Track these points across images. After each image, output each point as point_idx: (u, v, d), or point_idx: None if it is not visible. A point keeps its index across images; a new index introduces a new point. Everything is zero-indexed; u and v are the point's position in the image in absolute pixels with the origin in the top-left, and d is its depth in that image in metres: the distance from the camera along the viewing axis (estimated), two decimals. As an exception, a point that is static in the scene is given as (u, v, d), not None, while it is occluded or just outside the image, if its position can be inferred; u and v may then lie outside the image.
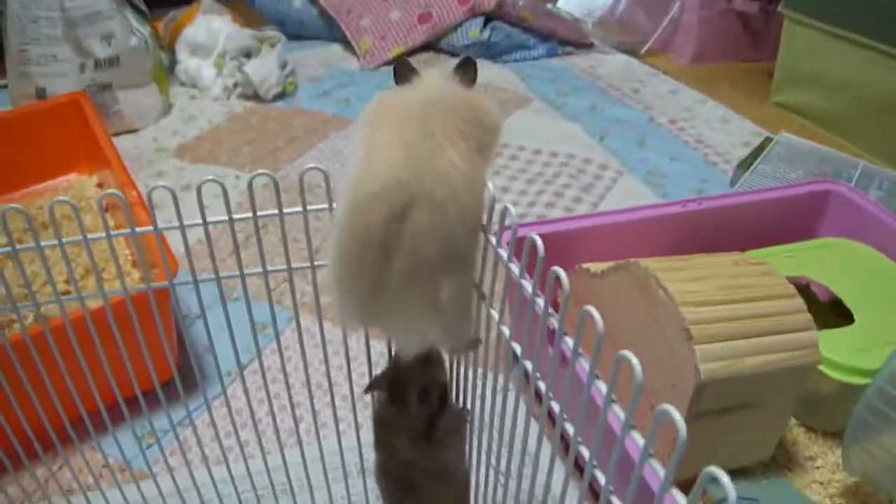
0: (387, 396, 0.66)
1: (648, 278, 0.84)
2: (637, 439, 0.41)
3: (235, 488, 0.79)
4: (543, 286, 0.48)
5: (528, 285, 0.52)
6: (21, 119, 1.54)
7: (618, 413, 0.43)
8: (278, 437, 0.74)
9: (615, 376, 0.42)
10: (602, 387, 0.44)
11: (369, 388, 0.67)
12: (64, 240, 0.58)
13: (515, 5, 2.23)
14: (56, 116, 1.55)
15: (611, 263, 0.92)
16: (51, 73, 1.76)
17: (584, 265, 0.96)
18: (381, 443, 0.69)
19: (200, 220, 0.60)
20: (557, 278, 0.46)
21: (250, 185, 0.57)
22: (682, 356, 0.80)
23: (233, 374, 1.10)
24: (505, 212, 0.54)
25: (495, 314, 0.58)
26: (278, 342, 0.68)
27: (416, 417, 0.65)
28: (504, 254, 0.55)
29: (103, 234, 0.58)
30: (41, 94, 1.77)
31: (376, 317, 0.57)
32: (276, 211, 0.61)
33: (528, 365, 0.54)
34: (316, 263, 0.65)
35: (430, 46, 2.27)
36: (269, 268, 0.64)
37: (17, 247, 0.58)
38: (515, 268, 0.53)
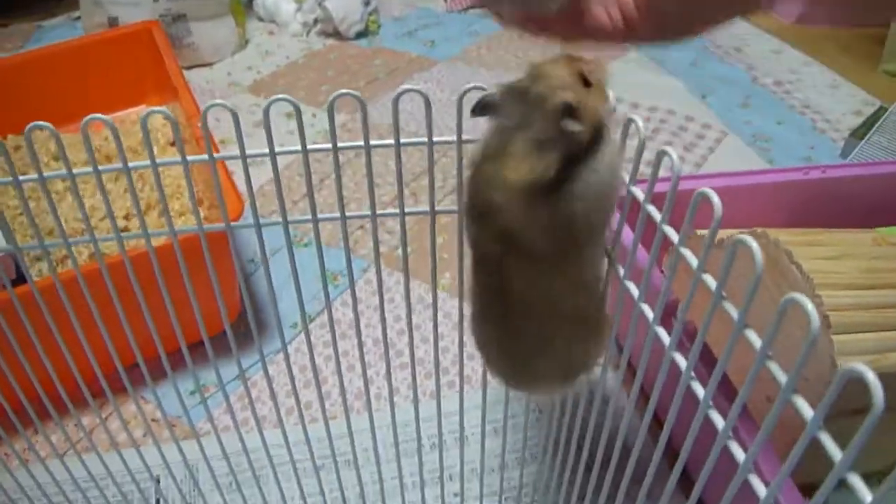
0: (504, 113, 0.45)
1: (779, 253, 0.74)
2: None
3: (291, 456, 0.67)
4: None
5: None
6: (90, 47, 1.47)
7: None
8: (344, 401, 0.64)
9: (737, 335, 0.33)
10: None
11: (481, 102, 0.46)
12: (101, 167, 0.49)
13: (613, -48, 2.09)
14: (126, 46, 1.47)
15: (732, 232, 0.82)
16: (124, 1, 1.68)
17: (699, 231, 0.86)
18: (478, 199, 0.46)
19: (267, 151, 0.49)
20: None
21: (331, 107, 0.46)
22: (817, 346, 0.70)
23: (297, 327, 1.02)
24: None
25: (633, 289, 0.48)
26: (353, 293, 0.59)
27: (546, 149, 0.43)
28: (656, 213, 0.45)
29: (147, 163, 0.49)
30: (114, 23, 1.70)
31: None
32: (362, 143, 0.50)
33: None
34: (407, 210, 0.53)
35: (519, -10, 2.13)
36: (348, 213, 0.54)
37: (45, 174, 0.49)
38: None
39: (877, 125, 1.48)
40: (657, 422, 0.84)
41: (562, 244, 0.45)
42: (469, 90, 0.46)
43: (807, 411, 0.32)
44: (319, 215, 0.52)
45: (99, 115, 0.47)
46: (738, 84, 1.75)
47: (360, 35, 1.91)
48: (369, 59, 1.81)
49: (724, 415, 0.39)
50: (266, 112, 0.46)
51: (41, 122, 0.46)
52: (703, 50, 1.91)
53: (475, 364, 0.92)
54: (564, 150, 0.42)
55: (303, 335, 0.99)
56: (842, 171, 1.03)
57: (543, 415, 0.79)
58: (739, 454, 0.36)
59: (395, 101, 0.46)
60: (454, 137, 0.49)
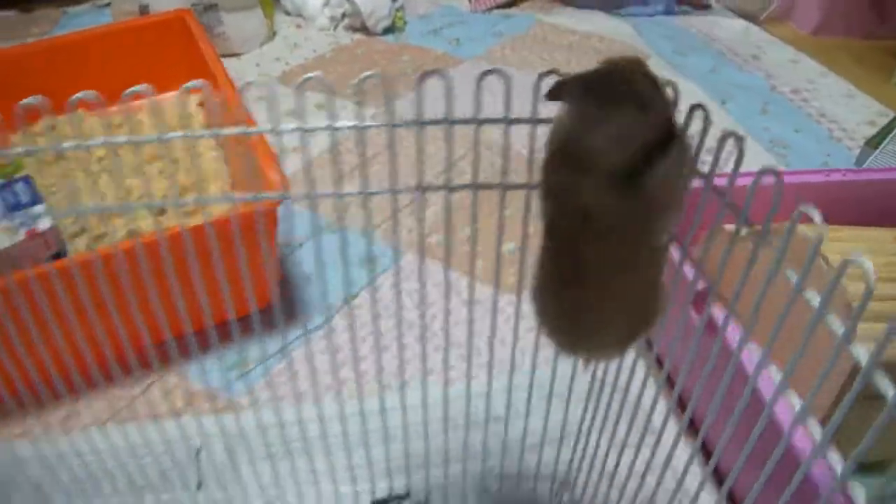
0: (585, 101, 0.46)
1: (807, 246, 0.77)
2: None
3: (345, 428, 0.71)
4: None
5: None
6: (124, 33, 1.50)
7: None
8: (402, 373, 0.67)
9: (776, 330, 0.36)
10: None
11: (558, 86, 0.47)
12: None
13: (635, -43, 2.14)
14: (160, 32, 1.50)
15: (759, 226, 0.85)
16: (155, -11, 1.72)
17: (727, 226, 0.89)
18: (555, 178, 0.48)
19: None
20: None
21: (418, 85, 0.50)
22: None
23: (333, 308, 1.05)
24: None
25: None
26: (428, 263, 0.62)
27: (628, 138, 0.44)
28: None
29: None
30: (144, 11, 1.73)
31: None
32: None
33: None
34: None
35: (544, -7, 2.17)
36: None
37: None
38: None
39: (891, 135, 1.51)
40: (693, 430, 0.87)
41: (636, 225, 0.48)
42: (545, 75, 0.49)
43: (863, 355, 0.35)
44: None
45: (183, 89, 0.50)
46: (756, 91, 1.79)
47: (387, 31, 1.95)
48: (396, 54, 1.85)
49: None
50: (359, 86, 0.49)
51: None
52: (720, 57, 1.95)
53: (506, 349, 0.95)
54: (647, 138, 0.43)
55: (337, 316, 1.03)
56: (862, 175, 1.06)
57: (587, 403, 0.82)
58: (796, 402, 0.39)
59: (479, 79, 0.50)
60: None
